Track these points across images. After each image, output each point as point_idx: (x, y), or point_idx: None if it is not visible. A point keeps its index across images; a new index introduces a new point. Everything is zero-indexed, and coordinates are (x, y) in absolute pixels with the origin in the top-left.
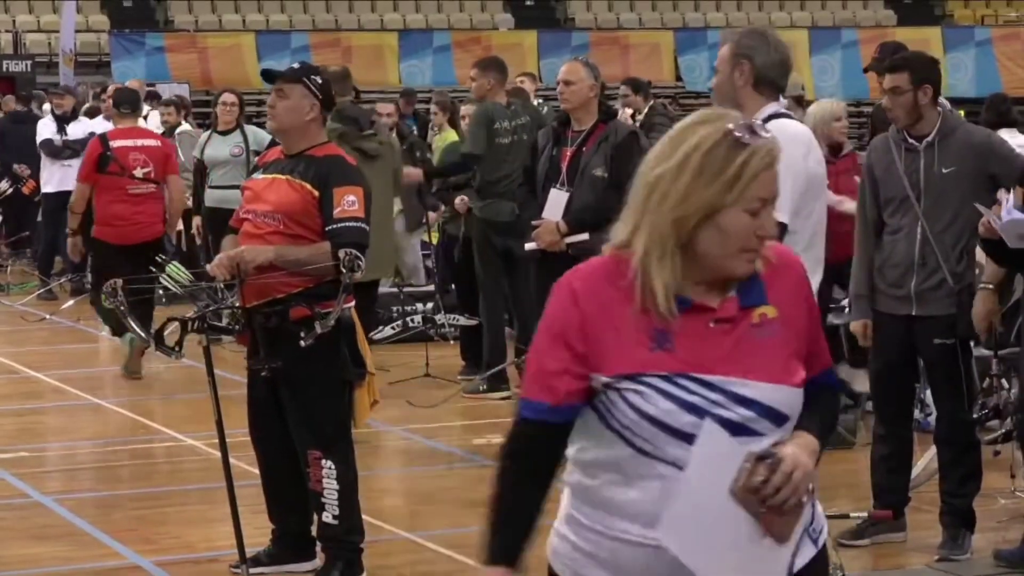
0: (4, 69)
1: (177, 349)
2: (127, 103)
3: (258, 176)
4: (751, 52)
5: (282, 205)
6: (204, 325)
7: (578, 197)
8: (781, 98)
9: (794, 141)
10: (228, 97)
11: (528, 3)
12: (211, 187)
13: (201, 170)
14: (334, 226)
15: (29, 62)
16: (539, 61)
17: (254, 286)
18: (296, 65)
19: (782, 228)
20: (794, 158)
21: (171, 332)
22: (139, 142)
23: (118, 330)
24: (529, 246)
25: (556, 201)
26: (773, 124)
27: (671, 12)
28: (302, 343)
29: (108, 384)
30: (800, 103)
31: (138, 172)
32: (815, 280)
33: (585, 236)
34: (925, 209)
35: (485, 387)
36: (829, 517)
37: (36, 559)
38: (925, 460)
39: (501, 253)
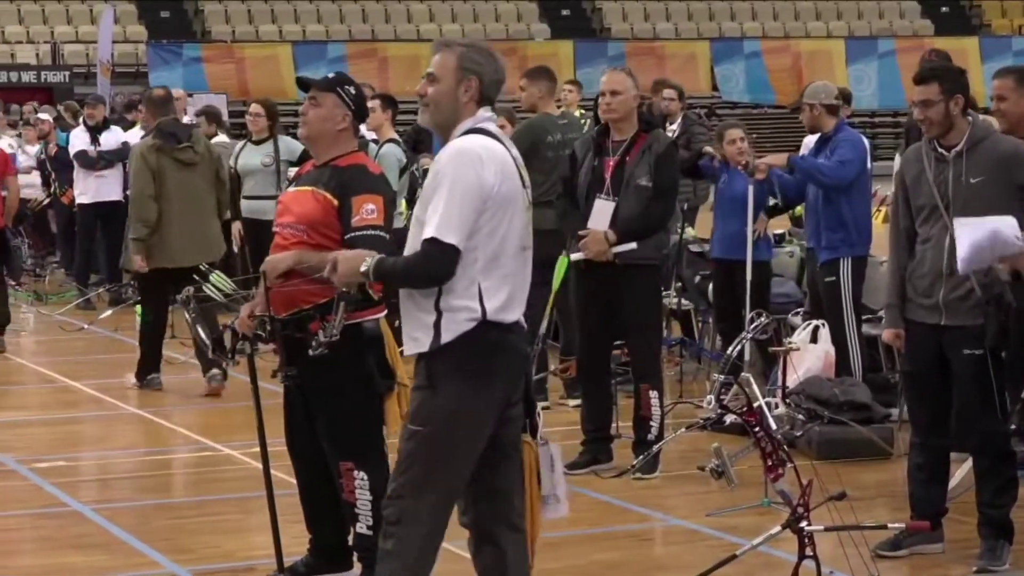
0: (42, 80)
1: (231, 355)
2: None
3: (291, 189)
4: (480, 69)
5: (304, 216)
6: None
7: (624, 207)
8: (486, 109)
9: (462, 158)
10: (255, 107)
11: (564, 13)
12: (245, 197)
13: (236, 179)
14: (352, 234)
15: (67, 73)
16: (575, 71)
17: (281, 296)
18: (330, 75)
19: (438, 246)
20: (461, 175)
21: (227, 339)
22: None
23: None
24: (576, 256)
25: (602, 211)
26: (464, 138)
27: (707, 22)
28: (311, 352)
29: (145, 394)
30: (834, 112)
31: None
32: (496, 299)
33: (633, 245)
34: (954, 219)
35: None
36: (866, 528)
37: (74, 568)
38: (963, 471)
39: (544, 262)
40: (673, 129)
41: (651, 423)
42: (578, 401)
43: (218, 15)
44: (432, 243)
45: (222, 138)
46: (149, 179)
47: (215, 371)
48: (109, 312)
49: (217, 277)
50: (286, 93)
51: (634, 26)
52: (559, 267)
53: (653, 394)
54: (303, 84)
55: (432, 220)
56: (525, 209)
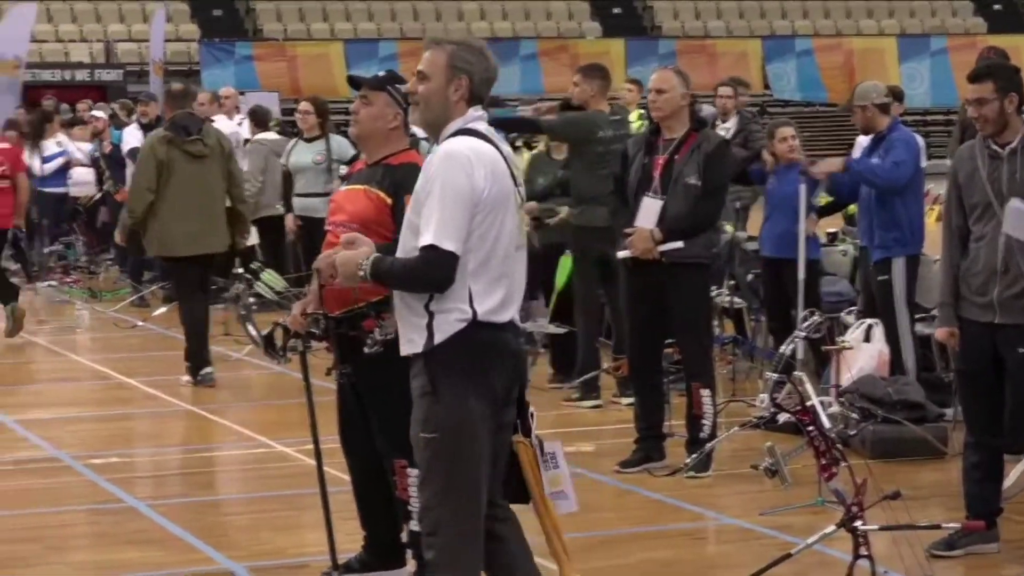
0: (96, 78)
1: (283, 353)
2: None
3: (343, 187)
4: (470, 67)
5: (357, 215)
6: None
7: (672, 205)
8: (477, 108)
9: (452, 162)
10: (303, 105)
11: (615, 11)
12: (296, 195)
13: (287, 177)
14: None
15: (120, 71)
16: (626, 69)
17: (335, 294)
18: (381, 73)
19: (438, 253)
20: (452, 180)
21: (279, 336)
22: None
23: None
24: (622, 253)
25: (649, 209)
26: (451, 141)
27: (759, 20)
28: (366, 350)
29: (199, 391)
30: (886, 110)
31: None
32: (487, 302)
33: (679, 244)
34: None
35: (577, 395)
36: (920, 528)
37: (129, 563)
38: (1017, 471)
39: (596, 259)
40: (727, 127)
41: (703, 421)
42: (631, 399)
43: (270, 13)
44: (431, 250)
45: (270, 136)
46: (153, 173)
47: (207, 370)
48: (163, 309)
49: (269, 275)
50: (337, 91)
51: (685, 24)
52: (562, 267)
53: (705, 392)
54: (354, 82)
55: (428, 227)
56: (518, 208)
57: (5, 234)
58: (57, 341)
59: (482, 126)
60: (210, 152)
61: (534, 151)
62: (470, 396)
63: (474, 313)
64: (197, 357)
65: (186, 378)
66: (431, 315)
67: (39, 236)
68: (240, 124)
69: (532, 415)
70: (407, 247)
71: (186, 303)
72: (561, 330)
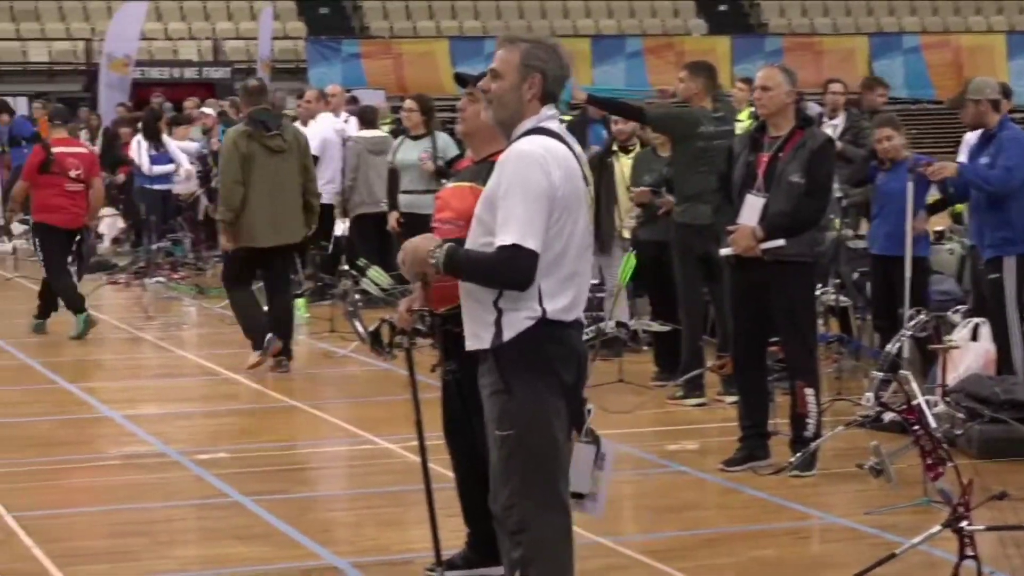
0: (204, 75)
1: (389, 349)
2: (59, 117)
3: (449, 185)
4: (543, 65)
5: (464, 212)
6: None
7: (774, 203)
8: (549, 106)
9: (528, 160)
10: (408, 103)
11: (721, 8)
12: (403, 192)
13: (393, 174)
14: None
15: (228, 69)
16: (732, 67)
17: (441, 291)
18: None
19: (522, 252)
20: (531, 179)
21: (385, 333)
22: (72, 149)
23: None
24: (725, 251)
25: (752, 206)
26: (524, 141)
27: (865, 16)
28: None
29: (304, 387)
30: (997, 107)
31: (72, 173)
32: (557, 301)
33: (781, 242)
34: None
35: (681, 393)
36: (1013, 529)
37: (237, 558)
38: None
39: (701, 257)
40: (836, 123)
41: (808, 420)
42: (735, 397)
43: (376, 11)
44: (515, 249)
45: (370, 134)
46: (237, 166)
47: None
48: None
49: (375, 272)
50: (443, 88)
51: (792, 21)
52: (625, 263)
53: (809, 391)
54: (461, 80)
55: (510, 225)
56: (588, 208)
57: (74, 234)
58: (164, 337)
59: (555, 125)
60: (288, 147)
61: (634, 152)
62: (543, 391)
63: (543, 312)
64: (255, 335)
65: (251, 358)
66: (500, 312)
67: (147, 233)
68: (346, 121)
69: (590, 411)
70: (476, 244)
71: (235, 287)
72: (665, 328)
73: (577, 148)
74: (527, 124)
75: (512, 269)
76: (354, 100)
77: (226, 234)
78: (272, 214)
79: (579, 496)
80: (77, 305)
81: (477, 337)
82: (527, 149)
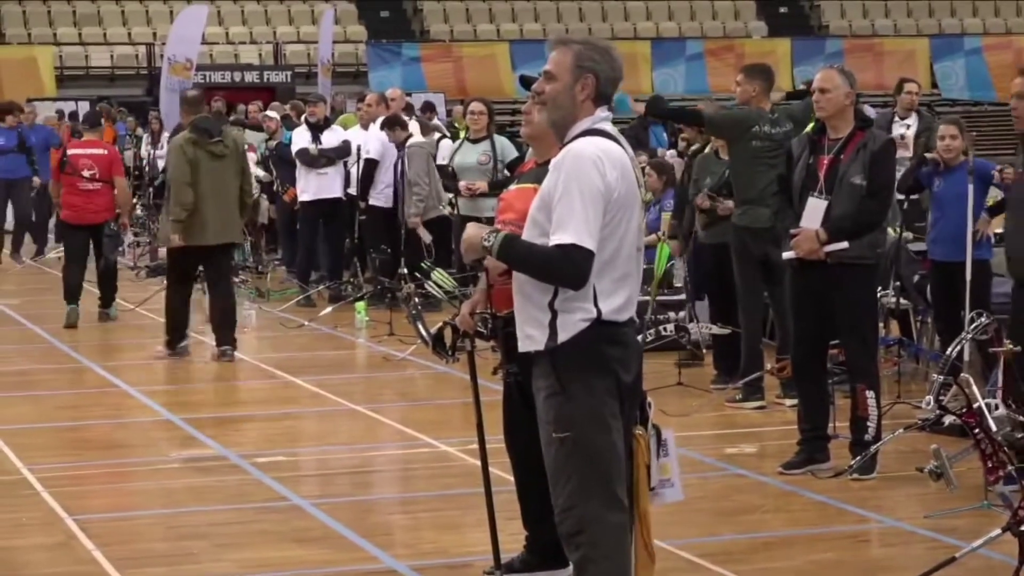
0: (265, 79)
1: (451, 352)
2: (87, 122)
3: (513, 187)
4: (596, 66)
5: (526, 213)
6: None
7: (837, 205)
8: (604, 108)
9: (584, 161)
10: (475, 106)
11: (782, 10)
12: (462, 195)
13: (451, 176)
14: None
15: (289, 72)
16: (793, 68)
17: (503, 293)
18: None
19: (580, 252)
20: (587, 179)
21: (448, 336)
22: (89, 151)
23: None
24: (787, 254)
25: (815, 209)
26: (579, 141)
27: (927, 18)
28: None
29: (364, 390)
30: None
31: (85, 172)
32: (611, 301)
33: (844, 244)
34: None
35: (740, 396)
36: None
37: (297, 561)
38: None
39: (759, 260)
40: (908, 123)
41: (868, 423)
42: (794, 400)
43: (437, 14)
44: (573, 248)
45: (424, 138)
46: (186, 169)
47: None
48: (329, 309)
49: (439, 275)
50: (503, 91)
51: (852, 23)
52: (660, 253)
53: (870, 394)
54: (526, 82)
55: (568, 224)
56: (640, 209)
57: (91, 230)
58: None
59: (608, 126)
60: (228, 152)
61: (700, 151)
62: (600, 392)
63: (599, 312)
64: (179, 332)
65: (160, 348)
66: (555, 313)
67: None
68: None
69: (650, 404)
70: (532, 238)
71: (176, 287)
72: (725, 331)
73: (630, 151)
74: (582, 125)
75: (570, 267)
76: (409, 108)
77: (178, 232)
78: (217, 214)
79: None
80: (69, 296)
81: (531, 339)
82: (583, 150)
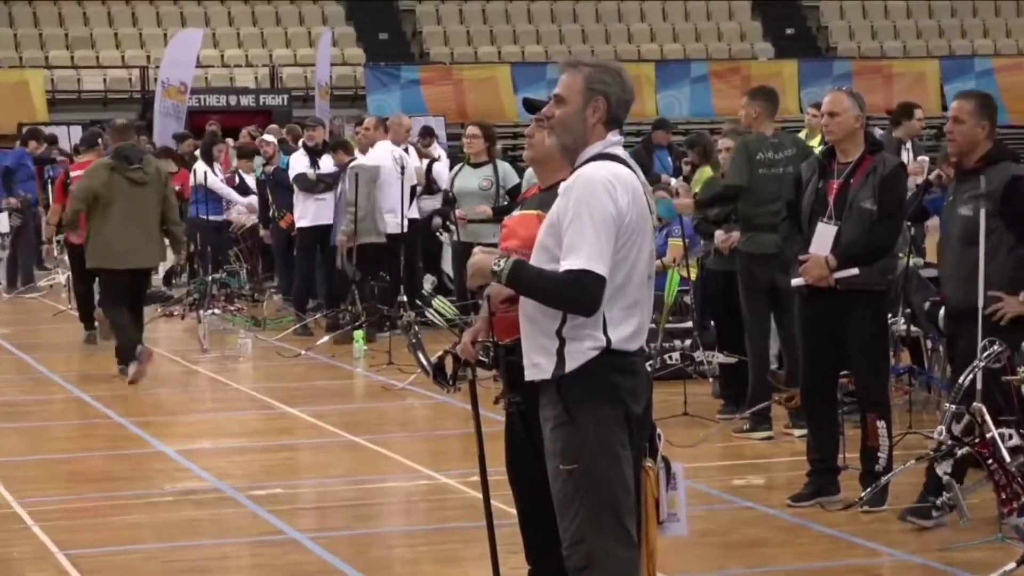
0: (261, 103)
1: (453, 382)
2: (84, 143)
3: (516, 213)
4: (607, 88)
5: (530, 240)
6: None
7: (847, 231)
8: (616, 132)
9: (596, 186)
10: (472, 129)
11: (788, 32)
12: (459, 222)
13: (451, 202)
14: None
15: (286, 96)
16: (800, 91)
17: (506, 321)
18: None
19: (592, 277)
20: (599, 204)
21: (449, 365)
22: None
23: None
24: (796, 281)
25: (824, 235)
26: (590, 166)
27: (937, 39)
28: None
29: (363, 421)
30: None
31: None
32: (621, 330)
33: (855, 271)
34: None
35: (748, 426)
36: None
37: None
38: None
39: (765, 287)
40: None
41: (879, 454)
42: (803, 431)
43: (436, 37)
44: (584, 274)
45: (368, 161)
46: (92, 191)
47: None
48: (327, 338)
49: (439, 302)
50: (505, 115)
51: (861, 44)
52: (670, 281)
53: (881, 424)
54: (530, 106)
55: (579, 250)
56: (652, 236)
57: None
58: (220, 370)
59: (620, 151)
60: (149, 179)
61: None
62: (609, 423)
63: (608, 341)
64: (127, 352)
65: (117, 370)
66: (563, 341)
67: (202, 264)
68: (406, 150)
69: (660, 436)
70: (540, 263)
71: (111, 309)
72: (731, 359)
73: (642, 176)
74: (593, 149)
75: (581, 292)
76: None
77: (87, 250)
78: (129, 240)
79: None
80: (86, 319)
81: (537, 367)
82: (594, 174)
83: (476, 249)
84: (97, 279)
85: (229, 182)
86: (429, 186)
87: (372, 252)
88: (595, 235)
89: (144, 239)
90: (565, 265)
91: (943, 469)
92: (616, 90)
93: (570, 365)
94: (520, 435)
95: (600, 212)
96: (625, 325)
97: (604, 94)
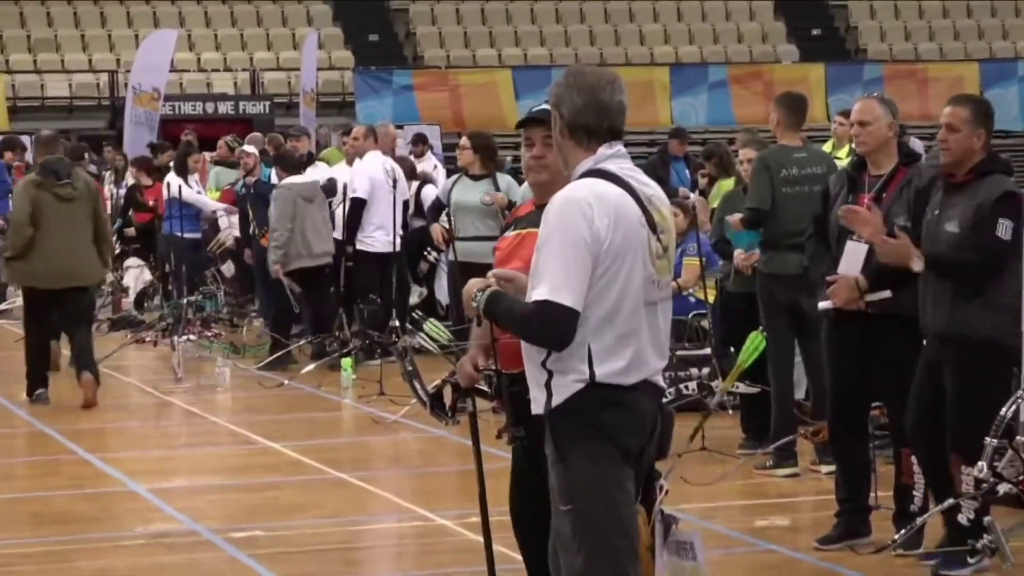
0: (241, 110)
1: (451, 414)
2: (70, 156)
3: (509, 233)
4: (558, 103)
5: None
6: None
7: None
8: (611, 144)
9: (569, 207)
10: (463, 141)
11: (815, 32)
12: (459, 238)
13: (446, 214)
14: None
15: (267, 103)
16: (827, 97)
17: (510, 348)
18: None
19: (553, 308)
20: (570, 227)
21: (448, 395)
22: None
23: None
24: (823, 304)
25: (853, 254)
26: (572, 184)
27: (976, 40)
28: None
29: (351, 457)
30: None
31: None
32: (611, 364)
33: (887, 293)
34: None
35: (771, 463)
36: None
37: None
38: None
39: (788, 310)
40: None
41: (914, 492)
42: (831, 467)
43: (431, 38)
44: (547, 305)
45: (299, 179)
46: (28, 210)
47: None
48: (312, 367)
49: (431, 326)
50: (505, 123)
51: (893, 46)
52: (751, 343)
53: (915, 459)
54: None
55: (544, 278)
56: (652, 258)
57: None
58: (195, 401)
59: (612, 165)
60: (79, 195)
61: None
62: (600, 460)
63: (592, 375)
64: (35, 377)
65: (24, 396)
66: (549, 374)
67: (176, 285)
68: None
69: (662, 488)
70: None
71: (34, 330)
72: (753, 389)
73: (646, 190)
74: (583, 166)
75: (544, 326)
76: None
77: (10, 269)
78: (59, 259)
79: None
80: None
81: (535, 400)
82: (571, 194)
83: (472, 280)
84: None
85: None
86: (419, 208)
87: (306, 277)
88: (563, 262)
89: (74, 257)
90: (531, 296)
91: (966, 516)
92: (569, 98)
93: (556, 399)
94: (527, 473)
95: (571, 236)
96: (617, 359)
97: (557, 108)
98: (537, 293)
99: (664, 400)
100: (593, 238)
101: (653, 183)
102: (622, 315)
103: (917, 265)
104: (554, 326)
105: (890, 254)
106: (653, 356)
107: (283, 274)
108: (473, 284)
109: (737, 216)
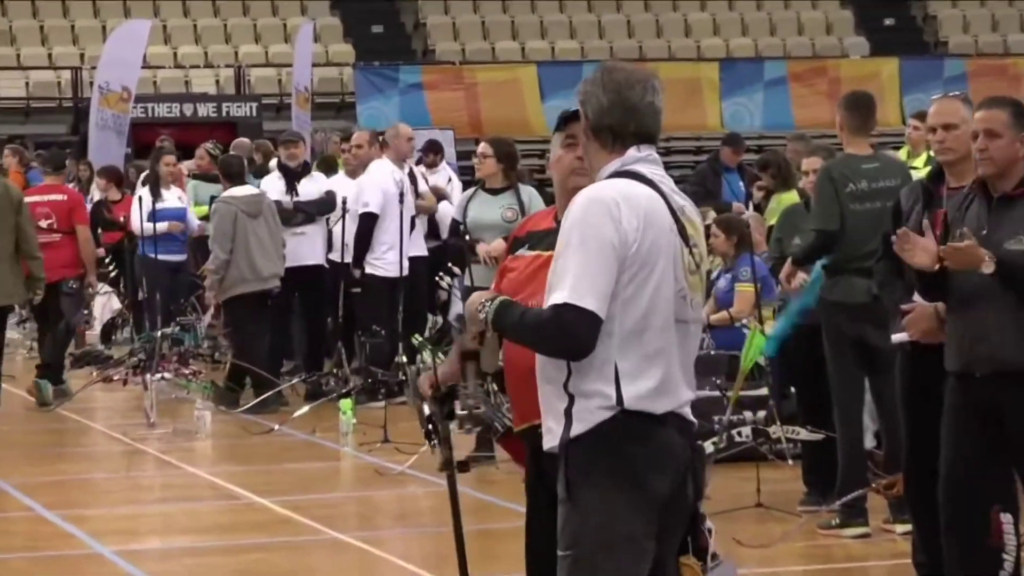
0: (224, 113)
1: (435, 440)
2: (50, 164)
3: (525, 253)
4: (584, 100)
5: None
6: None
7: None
8: (639, 147)
9: (594, 207)
10: (483, 147)
11: (888, 22)
12: (475, 262)
13: (463, 235)
14: None
15: (254, 104)
16: (901, 96)
17: (527, 401)
18: None
19: (574, 312)
20: (594, 227)
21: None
22: (47, 197)
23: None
24: (897, 337)
25: None
26: (597, 184)
27: None
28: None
29: (351, 514)
30: None
31: (42, 223)
32: (639, 385)
33: None
34: None
35: (837, 521)
36: None
37: None
38: None
39: (856, 344)
40: None
41: (1004, 555)
42: (907, 527)
43: (444, 30)
44: (566, 309)
45: (242, 191)
46: None
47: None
48: (306, 409)
49: (430, 353)
50: (530, 127)
51: (978, 38)
52: (750, 342)
53: (1005, 518)
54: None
55: (563, 281)
56: (685, 271)
57: (56, 287)
58: (170, 450)
59: (643, 167)
60: None
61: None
62: (615, 504)
63: (619, 398)
64: None
65: None
66: (571, 398)
67: (150, 315)
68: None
69: (710, 531)
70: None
71: None
72: (816, 436)
73: (678, 199)
74: (611, 167)
75: (561, 331)
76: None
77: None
78: None
79: None
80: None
81: (549, 432)
82: (596, 193)
83: (476, 294)
84: None
85: None
86: (434, 228)
87: (253, 303)
88: (585, 265)
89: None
90: (549, 300)
91: None
92: (595, 96)
93: (576, 428)
94: (544, 528)
95: (596, 236)
96: (644, 379)
97: (583, 106)
98: (555, 297)
99: (699, 442)
100: (620, 241)
101: (682, 193)
102: (652, 330)
103: (988, 267)
104: (573, 331)
105: (960, 259)
106: (683, 385)
107: (221, 303)
108: (478, 296)
109: (798, 280)
